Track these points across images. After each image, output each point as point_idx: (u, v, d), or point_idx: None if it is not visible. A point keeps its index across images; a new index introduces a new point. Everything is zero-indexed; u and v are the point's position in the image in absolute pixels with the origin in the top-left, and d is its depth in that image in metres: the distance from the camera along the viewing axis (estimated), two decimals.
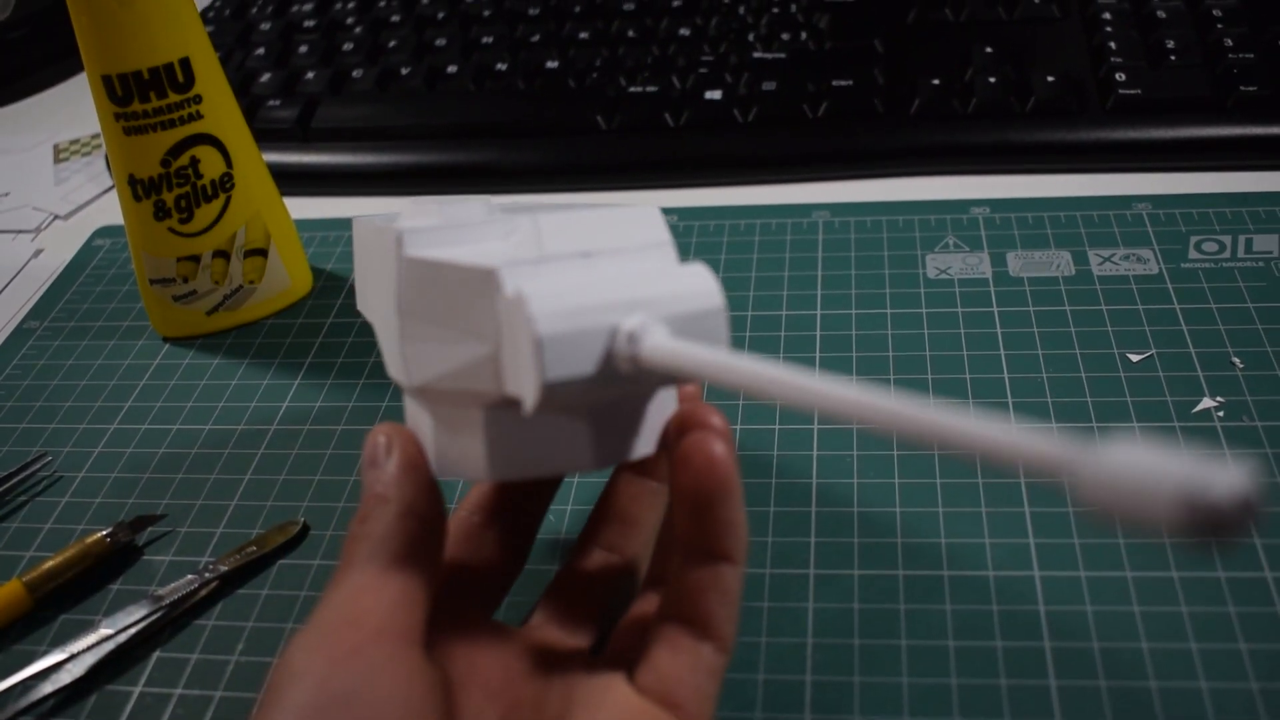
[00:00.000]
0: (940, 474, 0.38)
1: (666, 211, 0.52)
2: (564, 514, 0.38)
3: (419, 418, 0.30)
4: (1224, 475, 0.16)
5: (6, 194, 0.60)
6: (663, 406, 0.30)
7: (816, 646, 0.33)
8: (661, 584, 0.30)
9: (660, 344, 0.25)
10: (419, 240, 0.28)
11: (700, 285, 0.26)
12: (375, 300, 0.30)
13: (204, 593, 0.37)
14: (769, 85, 0.55)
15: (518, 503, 0.32)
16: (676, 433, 0.28)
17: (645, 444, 0.29)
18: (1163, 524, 0.16)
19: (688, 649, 0.28)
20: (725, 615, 0.28)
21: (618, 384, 0.26)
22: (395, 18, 0.64)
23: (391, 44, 0.62)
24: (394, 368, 0.29)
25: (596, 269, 0.27)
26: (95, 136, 0.64)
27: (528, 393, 0.25)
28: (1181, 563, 0.34)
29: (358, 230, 0.32)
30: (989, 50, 0.55)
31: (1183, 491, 0.16)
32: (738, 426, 0.40)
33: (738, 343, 0.44)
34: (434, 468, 0.29)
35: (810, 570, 0.35)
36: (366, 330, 0.48)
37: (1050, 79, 0.53)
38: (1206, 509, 0.16)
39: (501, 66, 0.59)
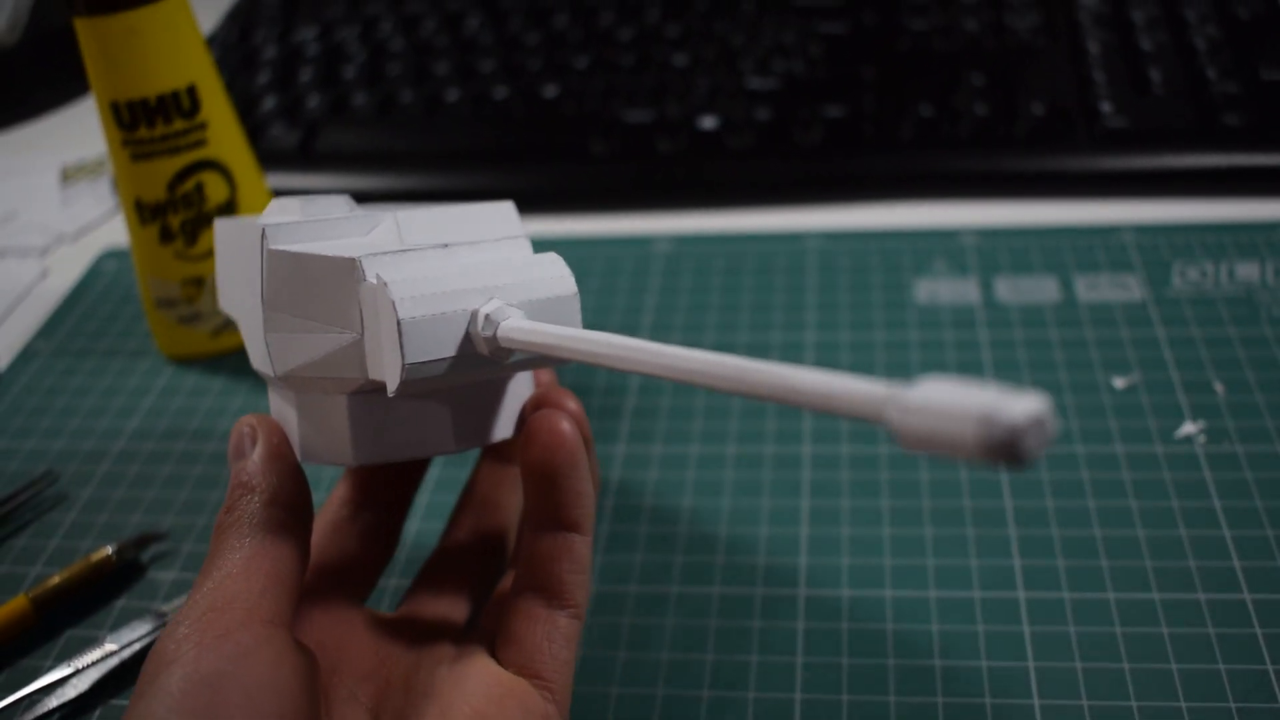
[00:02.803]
0: (927, 496, 0.39)
1: (659, 238, 0.53)
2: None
3: (284, 408, 0.31)
4: (1021, 399, 0.17)
5: (14, 216, 0.61)
6: (520, 392, 0.31)
7: (806, 665, 0.34)
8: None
9: (517, 325, 0.26)
10: (282, 234, 0.29)
11: (554, 272, 0.28)
12: (238, 296, 0.31)
13: None
14: (762, 113, 0.56)
15: (383, 492, 0.33)
16: (530, 413, 0.29)
17: (504, 427, 0.31)
18: (966, 445, 0.17)
19: (543, 618, 0.29)
20: (576, 582, 0.29)
21: (477, 367, 0.27)
22: (397, 45, 0.66)
23: (392, 71, 0.63)
24: (258, 359, 0.30)
25: (455, 258, 0.29)
26: (102, 159, 0.65)
27: (391, 376, 0.27)
28: (1162, 586, 0.35)
29: (219, 230, 0.33)
30: (978, 80, 0.56)
31: (983, 413, 0.17)
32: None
33: None
34: (299, 455, 0.30)
35: (800, 590, 0.36)
36: None
37: (1038, 108, 0.54)
38: (1004, 427, 0.17)
39: (499, 93, 0.60)
